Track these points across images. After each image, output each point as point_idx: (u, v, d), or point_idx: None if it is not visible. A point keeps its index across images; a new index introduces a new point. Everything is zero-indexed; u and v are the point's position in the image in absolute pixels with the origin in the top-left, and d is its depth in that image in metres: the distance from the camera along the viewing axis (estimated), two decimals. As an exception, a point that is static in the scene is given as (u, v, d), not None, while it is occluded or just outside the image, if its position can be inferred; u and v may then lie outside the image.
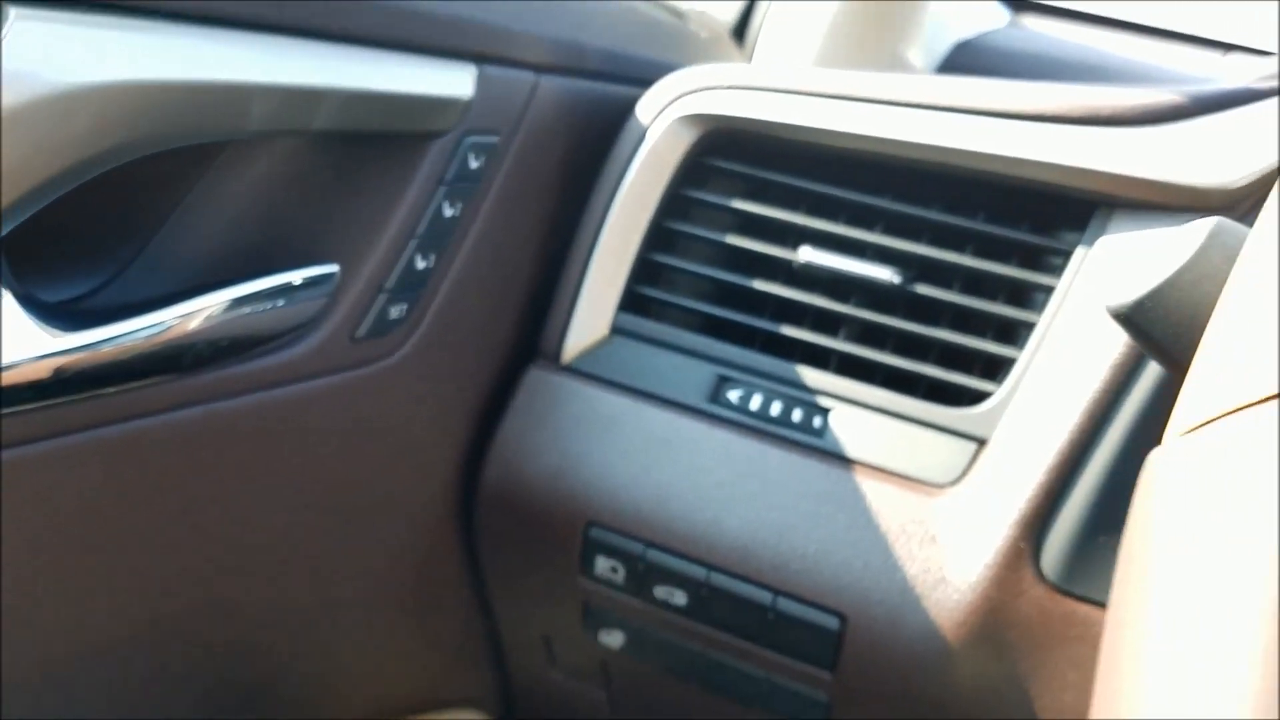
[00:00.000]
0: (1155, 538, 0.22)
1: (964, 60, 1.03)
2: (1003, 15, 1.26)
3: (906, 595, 0.54)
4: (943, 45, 1.04)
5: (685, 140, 0.63)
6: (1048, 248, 0.57)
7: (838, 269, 0.60)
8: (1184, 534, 0.21)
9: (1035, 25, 1.29)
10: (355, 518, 0.61)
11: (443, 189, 0.55)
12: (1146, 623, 0.22)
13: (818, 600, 0.56)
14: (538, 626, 0.70)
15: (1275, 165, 0.52)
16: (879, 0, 0.90)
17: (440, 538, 0.67)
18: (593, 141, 0.64)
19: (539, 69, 0.58)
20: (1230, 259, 0.33)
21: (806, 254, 0.60)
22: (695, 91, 0.63)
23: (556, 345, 0.64)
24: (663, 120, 0.63)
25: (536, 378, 0.64)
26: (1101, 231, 0.55)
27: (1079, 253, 0.55)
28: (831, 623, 0.56)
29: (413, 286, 0.56)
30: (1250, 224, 0.52)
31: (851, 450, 0.57)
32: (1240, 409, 0.22)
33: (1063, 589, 0.52)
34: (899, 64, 0.95)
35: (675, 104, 0.63)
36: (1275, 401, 0.21)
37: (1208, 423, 0.22)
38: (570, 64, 0.61)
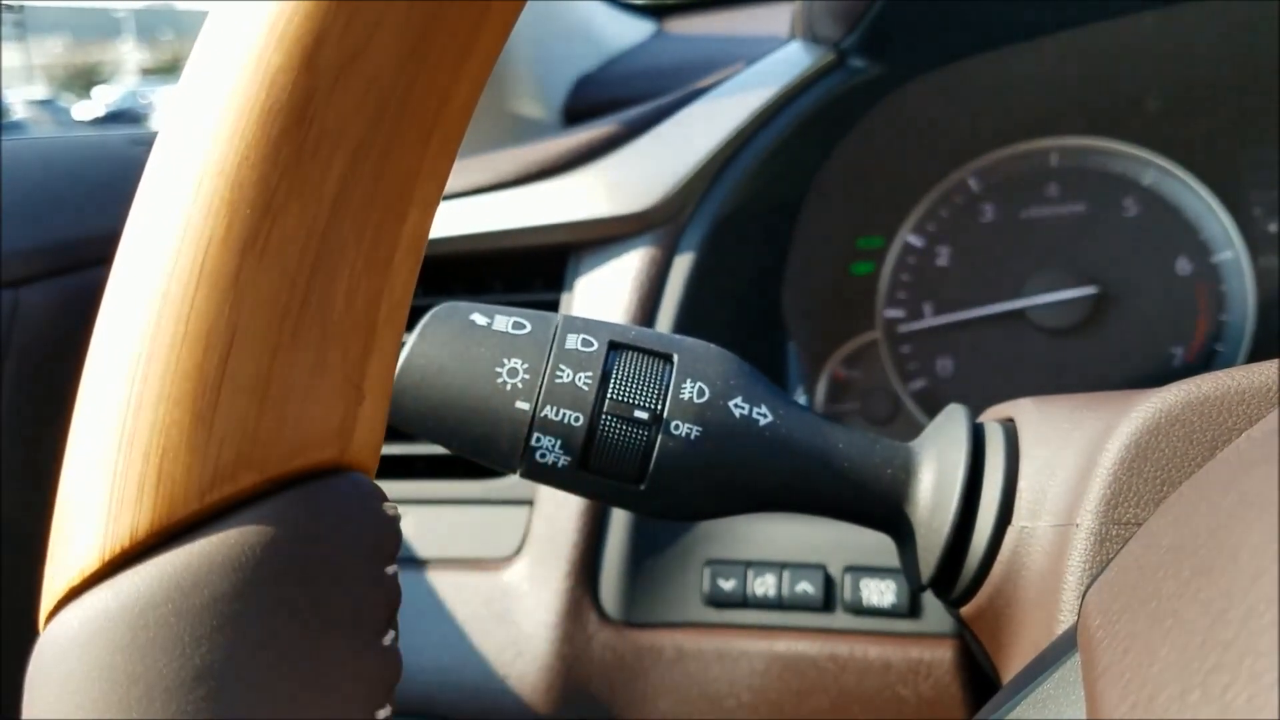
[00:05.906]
0: None
1: (590, 94, 1.05)
2: (647, 27, 1.28)
3: (492, 683, 0.54)
4: (565, 83, 1.06)
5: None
6: (552, 301, 0.59)
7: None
8: None
9: (685, 25, 1.33)
10: None
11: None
12: None
13: (425, 711, 0.56)
14: None
15: (687, 175, 0.54)
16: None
17: None
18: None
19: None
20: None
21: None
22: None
23: None
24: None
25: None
26: (576, 275, 0.57)
27: (564, 299, 0.57)
28: None
29: None
30: (681, 234, 0.55)
31: (424, 550, 0.58)
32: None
33: (627, 622, 0.53)
34: (514, 124, 0.97)
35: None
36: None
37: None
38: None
